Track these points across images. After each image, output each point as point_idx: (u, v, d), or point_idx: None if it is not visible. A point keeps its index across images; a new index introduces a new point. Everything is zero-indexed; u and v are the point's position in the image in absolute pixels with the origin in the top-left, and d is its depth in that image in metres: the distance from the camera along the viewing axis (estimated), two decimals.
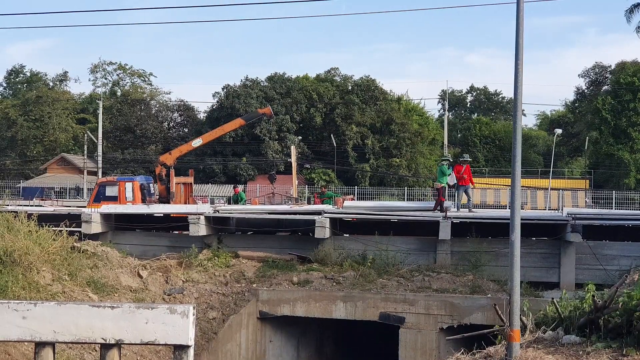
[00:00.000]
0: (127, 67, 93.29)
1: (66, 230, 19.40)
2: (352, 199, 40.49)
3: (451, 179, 25.17)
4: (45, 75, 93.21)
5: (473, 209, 25.44)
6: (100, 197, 31.27)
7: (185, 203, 31.94)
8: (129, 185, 31.59)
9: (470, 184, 25.26)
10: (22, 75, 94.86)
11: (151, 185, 33.71)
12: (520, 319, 10.79)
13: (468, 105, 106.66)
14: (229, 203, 36.82)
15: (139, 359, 17.07)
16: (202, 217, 23.01)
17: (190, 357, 9.57)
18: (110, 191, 31.45)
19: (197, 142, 35.53)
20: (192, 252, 22.49)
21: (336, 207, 26.53)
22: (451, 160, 25.70)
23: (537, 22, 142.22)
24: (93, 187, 63.85)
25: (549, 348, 10.15)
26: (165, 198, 31.37)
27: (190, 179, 35.29)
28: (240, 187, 38.02)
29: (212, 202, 39.12)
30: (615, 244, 21.84)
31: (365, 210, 25.07)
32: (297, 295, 20.50)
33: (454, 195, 25.71)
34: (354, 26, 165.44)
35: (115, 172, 73.81)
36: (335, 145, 64.21)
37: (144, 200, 30.90)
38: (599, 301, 10.36)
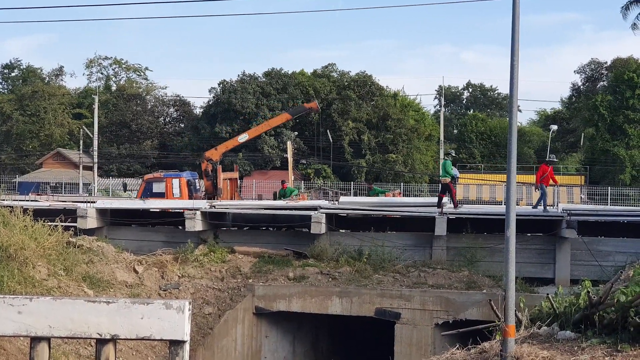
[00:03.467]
0: (122, 61, 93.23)
1: (62, 225, 19.39)
2: (399, 194, 40.33)
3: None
4: (41, 70, 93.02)
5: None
6: (147, 193, 31.01)
7: (231, 199, 31.77)
8: (176, 181, 31.32)
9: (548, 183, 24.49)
10: (17, 71, 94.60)
11: (196, 181, 33.45)
12: (516, 315, 10.81)
13: (464, 101, 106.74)
14: (275, 198, 36.69)
15: (134, 354, 17.09)
16: (198, 213, 23.00)
17: (186, 352, 9.59)
18: (157, 188, 31.14)
19: (243, 137, 35.19)
20: (188, 248, 22.48)
21: None
22: (454, 155, 25.50)
23: (533, 19, 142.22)
24: (88, 183, 64.05)
25: (544, 344, 10.17)
26: (211, 194, 31.18)
27: (236, 175, 35.05)
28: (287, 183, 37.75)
29: (260, 198, 39.04)
30: (611, 240, 21.92)
31: (361, 206, 25.08)
32: (293, 291, 20.52)
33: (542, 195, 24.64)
34: (351, 22, 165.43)
35: (110, 168, 73.77)
36: (331, 140, 64.16)
37: (190, 197, 30.64)
38: (594, 297, 10.39)
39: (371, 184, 37.27)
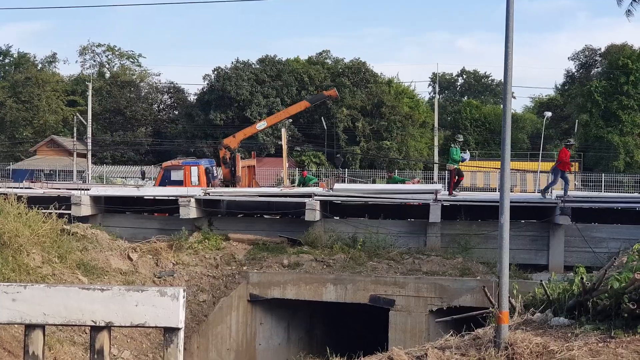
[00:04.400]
0: (115, 48, 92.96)
1: (56, 213, 19.37)
2: (419, 182, 40.24)
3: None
4: (34, 57, 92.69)
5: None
6: (165, 181, 30.93)
7: (249, 186, 31.74)
8: (194, 169, 31.26)
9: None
10: (9, 58, 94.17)
11: (214, 168, 33.37)
12: (509, 301, 10.83)
13: (458, 88, 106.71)
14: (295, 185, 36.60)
15: (129, 342, 17.09)
16: (192, 200, 22.98)
17: (181, 339, 9.58)
18: (175, 175, 31.05)
19: (261, 125, 35.06)
20: (182, 235, 22.47)
21: None
22: (461, 140, 25.41)
23: (528, 6, 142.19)
24: (82, 171, 63.91)
25: (537, 330, 10.20)
26: (229, 181, 31.09)
27: (254, 162, 34.95)
28: (307, 171, 37.57)
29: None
30: (604, 227, 21.94)
31: (356, 193, 25.08)
32: (287, 278, 20.54)
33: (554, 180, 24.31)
34: (346, 9, 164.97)
35: (104, 155, 73.66)
36: (325, 128, 64.12)
37: (208, 184, 30.56)
38: (588, 283, 10.40)
39: (391, 172, 36.94)
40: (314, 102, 40.64)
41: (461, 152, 24.67)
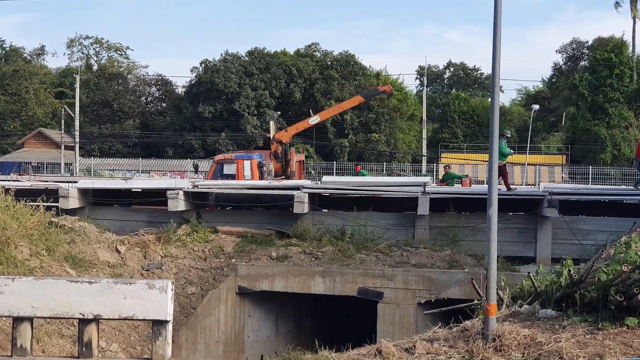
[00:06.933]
0: (103, 40, 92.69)
1: (44, 205, 19.30)
2: (470, 178, 40.17)
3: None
4: (23, 49, 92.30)
5: None
6: (217, 174, 30.90)
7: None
8: (247, 163, 31.22)
9: None
10: (1, 50, 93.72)
11: (264, 162, 33.40)
12: (497, 294, 10.87)
13: (446, 81, 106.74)
14: None
15: (117, 334, 17.07)
16: (180, 192, 22.91)
17: (169, 332, 9.59)
18: (228, 169, 31.02)
19: (314, 120, 34.74)
20: (170, 228, 22.42)
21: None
22: (509, 135, 24.91)
23: None
24: (70, 163, 63.70)
25: (525, 322, 10.25)
26: (280, 176, 30.94)
27: (302, 157, 34.80)
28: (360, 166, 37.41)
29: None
30: (592, 219, 22.03)
31: (344, 185, 25.09)
32: (275, 271, 20.55)
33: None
34: (334, 2, 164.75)
35: (92, 147, 73.40)
36: None
37: (261, 178, 30.44)
38: (575, 276, 10.45)
39: (448, 168, 36.52)
40: (369, 97, 40.39)
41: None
